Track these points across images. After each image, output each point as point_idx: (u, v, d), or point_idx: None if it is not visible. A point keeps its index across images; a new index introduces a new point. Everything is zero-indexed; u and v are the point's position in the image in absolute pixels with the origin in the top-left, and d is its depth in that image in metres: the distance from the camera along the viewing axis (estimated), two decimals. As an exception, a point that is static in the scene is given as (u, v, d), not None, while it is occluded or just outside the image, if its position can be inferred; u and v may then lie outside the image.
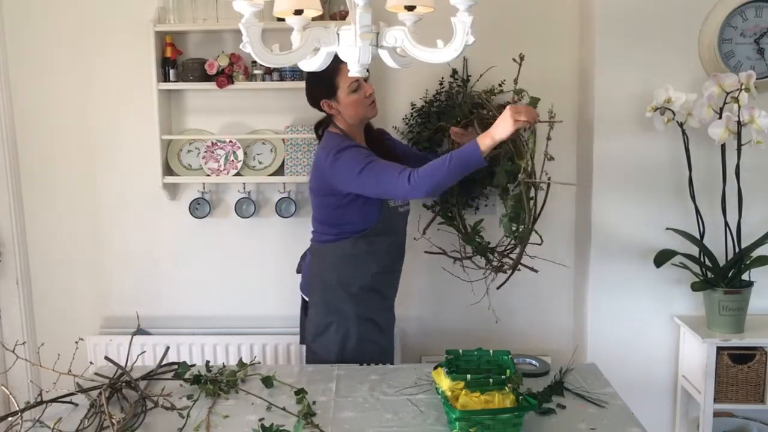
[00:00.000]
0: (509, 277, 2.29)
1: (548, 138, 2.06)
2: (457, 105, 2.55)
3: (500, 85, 2.58)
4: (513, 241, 2.21)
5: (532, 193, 2.06)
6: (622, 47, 2.43)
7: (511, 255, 2.33)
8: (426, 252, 2.60)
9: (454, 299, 2.77)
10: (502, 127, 1.84)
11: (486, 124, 2.06)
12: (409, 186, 1.90)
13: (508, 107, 1.86)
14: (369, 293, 2.17)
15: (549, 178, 2.10)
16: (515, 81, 2.13)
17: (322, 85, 2.06)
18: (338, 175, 2.03)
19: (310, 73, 2.07)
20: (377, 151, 2.13)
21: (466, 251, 2.54)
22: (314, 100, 2.14)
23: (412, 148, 2.54)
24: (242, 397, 1.82)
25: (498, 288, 2.34)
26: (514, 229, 2.11)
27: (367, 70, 1.52)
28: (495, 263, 2.36)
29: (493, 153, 2.06)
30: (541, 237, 2.17)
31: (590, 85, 2.52)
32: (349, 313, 2.15)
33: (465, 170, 1.89)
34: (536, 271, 2.28)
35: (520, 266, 2.23)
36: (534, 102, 2.04)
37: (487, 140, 1.84)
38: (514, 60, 2.11)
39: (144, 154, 2.72)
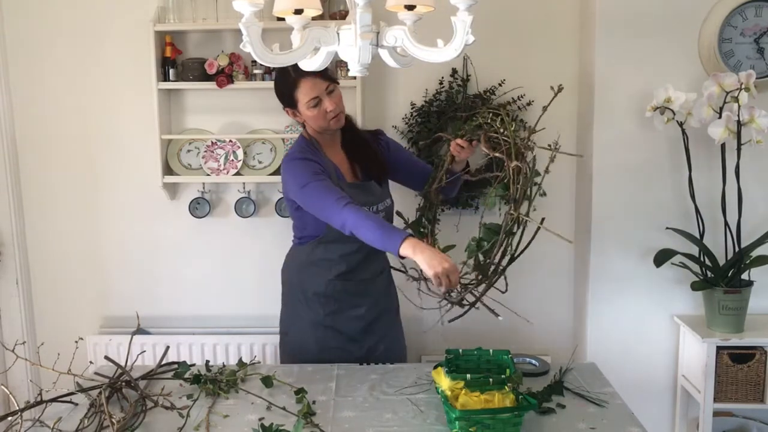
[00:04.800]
0: (463, 314, 1.93)
1: (546, 171, 1.85)
2: (457, 106, 2.55)
3: (500, 84, 2.58)
4: (475, 274, 1.91)
5: (515, 229, 1.83)
6: (622, 47, 2.43)
7: (475, 290, 1.92)
8: (391, 267, 2.27)
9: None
10: (424, 266, 1.74)
11: (493, 143, 1.92)
12: (343, 210, 1.86)
13: (447, 265, 1.72)
14: (327, 300, 2.12)
15: (543, 219, 1.81)
16: (544, 109, 1.92)
17: (283, 97, 2.03)
18: (286, 182, 2.05)
19: (275, 80, 2.07)
20: (353, 154, 2.11)
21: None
22: (280, 103, 2.09)
23: (420, 163, 2.33)
24: (242, 397, 1.82)
25: (450, 321, 1.95)
26: (480, 260, 1.86)
27: (349, 77, 1.50)
28: (454, 294, 1.94)
29: (480, 176, 2.09)
30: (507, 284, 1.89)
31: (590, 85, 2.52)
32: (305, 317, 2.14)
33: (380, 245, 1.84)
34: (498, 315, 1.87)
35: (479, 306, 1.88)
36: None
37: (409, 251, 1.76)
38: (552, 88, 1.89)
39: (144, 153, 2.72)
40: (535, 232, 1.82)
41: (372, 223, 1.83)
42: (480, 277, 1.90)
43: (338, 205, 1.87)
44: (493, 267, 1.86)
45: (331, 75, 2.02)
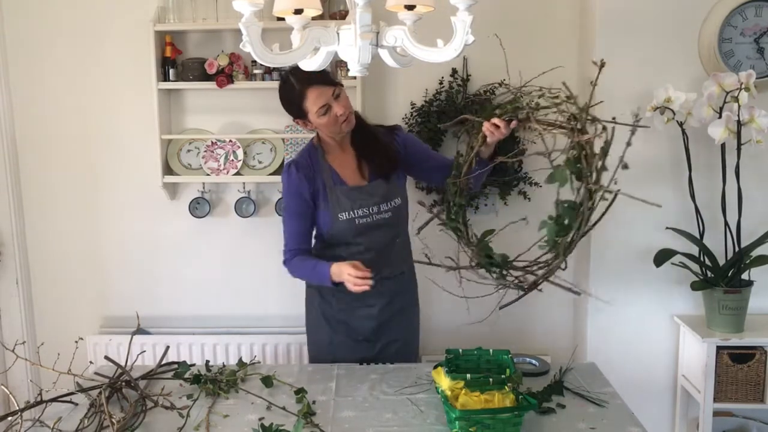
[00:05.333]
0: (521, 296, 1.93)
1: (628, 144, 1.75)
2: (456, 106, 2.54)
3: (500, 84, 2.58)
4: (549, 252, 1.85)
5: (593, 204, 1.78)
6: (622, 47, 2.43)
7: (534, 271, 1.90)
8: (415, 261, 2.23)
9: (454, 299, 2.76)
10: (342, 279, 1.94)
11: (542, 123, 1.86)
12: (284, 263, 2.11)
13: (349, 273, 1.90)
14: (339, 293, 2.11)
15: (618, 190, 1.74)
16: (593, 84, 1.84)
17: (292, 108, 2.02)
18: None
19: (280, 93, 2.04)
20: (361, 150, 2.10)
21: (459, 261, 2.04)
22: (290, 115, 2.08)
23: (438, 156, 2.30)
24: (242, 397, 1.82)
25: (501, 308, 1.98)
26: (558, 239, 1.79)
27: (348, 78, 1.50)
28: (510, 279, 1.92)
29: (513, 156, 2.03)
30: (566, 262, 1.84)
31: (590, 84, 2.51)
32: (318, 308, 2.17)
33: (319, 283, 2.07)
34: (578, 293, 1.92)
35: (555, 284, 1.84)
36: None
37: (335, 277, 1.96)
38: (594, 63, 1.83)
39: (144, 153, 2.72)
40: (611, 201, 1.77)
41: (305, 271, 2.08)
42: (552, 258, 1.84)
43: (283, 257, 2.10)
44: (572, 242, 1.79)
45: (333, 79, 2.02)
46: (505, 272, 1.93)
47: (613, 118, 1.81)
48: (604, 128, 1.78)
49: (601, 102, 1.91)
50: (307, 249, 2.11)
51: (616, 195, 1.74)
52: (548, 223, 1.79)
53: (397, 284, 2.19)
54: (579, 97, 1.82)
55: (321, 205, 2.06)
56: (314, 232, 2.17)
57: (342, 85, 2.02)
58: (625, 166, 1.74)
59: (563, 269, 1.83)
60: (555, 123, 1.85)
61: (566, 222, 1.77)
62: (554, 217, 1.78)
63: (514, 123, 1.90)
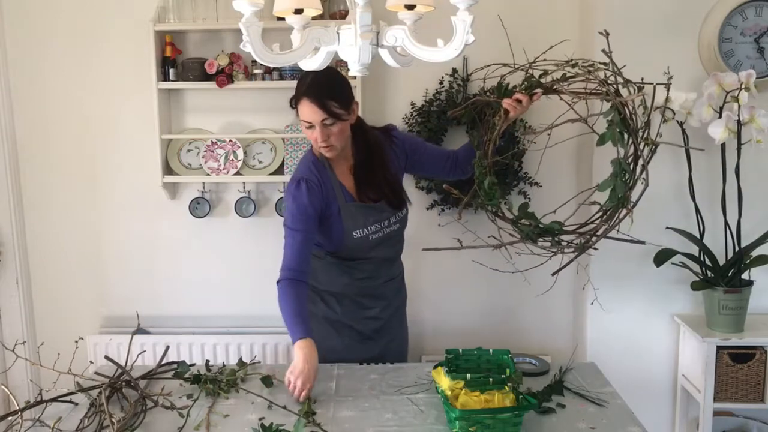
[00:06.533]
0: (578, 255, 2.03)
1: (666, 99, 1.99)
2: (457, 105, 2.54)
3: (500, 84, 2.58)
4: (608, 210, 1.97)
5: (637, 158, 1.93)
6: (622, 47, 2.42)
7: (588, 231, 2.02)
8: (444, 248, 2.23)
9: (454, 298, 2.77)
10: (291, 367, 1.82)
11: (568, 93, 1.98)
12: (277, 283, 1.95)
13: (295, 372, 1.79)
14: (343, 299, 2.12)
15: (657, 144, 1.92)
16: (607, 53, 1.96)
17: (291, 100, 1.97)
18: None
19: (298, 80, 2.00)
20: (361, 180, 2.03)
21: (501, 238, 2.07)
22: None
23: (437, 149, 2.33)
24: (242, 397, 1.82)
25: (553, 275, 2.05)
26: (619, 195, 1.91)
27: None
28: (567, 242, 2.02)
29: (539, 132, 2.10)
30: (632, 219, 1.97)
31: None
32: (320, 314, 2.13)
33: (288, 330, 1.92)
34: (642, 242, 2.09)
35: (618, 239, 1.99)
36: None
37: (295, 349, 1.84)
38: (601, 33, 1.94)
39: (144, 153, 2.72)
40: (651, 155, 1.95)
41: (286, 314, 1.90)
42: (608, 214, 1.98)
43: (279, 277, 1.94)
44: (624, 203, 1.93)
45: (333, 110, 1.87)
46: (556, 238, 2.03)
47: (642, 79, 1.97)
48: (641, 88, 1.91)
49: (625, 66, 1.99)
50: (306, 272, 1.96)
51: (656, 146, 1.93)
52: (613, 180, 1.93)
53: (396, 284, 2.22)
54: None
55: (333, 222, 2.00)
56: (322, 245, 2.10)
57: (341, 119, 1.89)
58: (665, 120, 1.98)
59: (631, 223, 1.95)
60: (585, 91, 1.97)
61: (626, 177, 1.91)
62: (617, 174, 1.91)
63: (538, 95, 2.01)
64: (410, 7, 1.43)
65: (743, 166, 2.30)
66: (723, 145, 2.30)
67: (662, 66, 2.41)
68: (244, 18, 1.36)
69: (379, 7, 1.49)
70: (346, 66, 1.51)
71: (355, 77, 2.23)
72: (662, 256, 2.40)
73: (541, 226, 2.02)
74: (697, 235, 2.40)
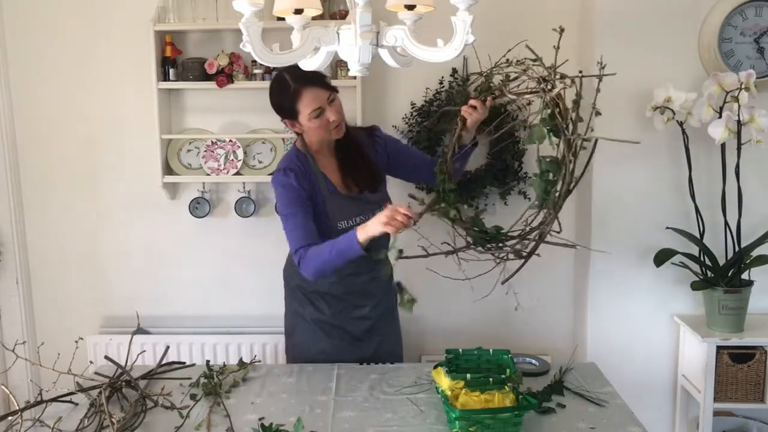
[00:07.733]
0: (522, 266, 1.94)
1: (597, 90, 1.84)
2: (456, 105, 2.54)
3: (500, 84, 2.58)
4: (540, 210, 1.91)
5: (573, 155, 1.84)
6: (621, 46, 2.43)
7: (528, 237, 1.94)
8: (413, 257, 2.07)
9: (454, 298, 2.77)
10: (373, 226, 1.81)
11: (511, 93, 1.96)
12: (298, 265, 1.94)
13: (388, 207, 1.79)
14: (331, 299, 2.11)
15: (597, 138, 1.83)
16: (556, 48, 1.87)
17: (283, 107, 1.98)
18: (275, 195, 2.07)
19: (271, 91, 2.00)
20: (344, 166, 2.06)
21: (455, 245, 2.03)
22: (278, 115, 2.05)
23: (419, 153, 2.35)
24: (242, 397, 1.82)
25: (503, 283, 1.97)
26: (549, 190, 1.85)
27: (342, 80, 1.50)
28: (508, 248, 1.96)
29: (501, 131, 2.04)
30: (560, 223, 1.88)
31: (589, 84, 2.51)
32: (309, 317, 2.13)
33: (345, 259, 1.88)
34: (575, 245, 1.96)
35: (552, 243, 1.89)
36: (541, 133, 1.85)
37: (362, 234, 1.82)
38: (554, 30, 1.88)
39: (144, 153, 2.72)
40: (592, 150, 1.86)
41: (327, 254, 1.88)
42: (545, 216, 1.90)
43: (295, 258, 1.93)
44: (561, 196, 1.85)
45: (330, 84, 1.98)
46: (501, 244, 1.97)
47: (580, 72, 1.91)
48: (573, 81, 1.84)
49: (567, 61, 1.96)
50: (318, 243, 1.94)
51: (596, 142, 1.84)
52: (535, 180, 1.87)
53: (385, 283, 2.20)
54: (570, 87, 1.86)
55: (318, 212, 2.00)
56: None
57: (337, 91, 1.98)
58: (598, 113, 1.83)
59: (558, 232, 1.88)
60: (527, 90, 1.93)
61: (551, 177, 1.83)
62: (539, 174, 1.85)
63: (489, 101, 2.02)
64: (410, 7, 1.43)
65: (743, 166, 2.30)
66: (723, 145, 2.30)
67: (662, 66, 2.42)
68: (244, 18, 1.37)
69: (379, 7, 1.49)
70: (346, 66, 1.51)
71: (354, 77, 2.24)
72: (662, 256, 2.40)
73: (487, 231, 1.99)
74: (697, 235, 2.40)
